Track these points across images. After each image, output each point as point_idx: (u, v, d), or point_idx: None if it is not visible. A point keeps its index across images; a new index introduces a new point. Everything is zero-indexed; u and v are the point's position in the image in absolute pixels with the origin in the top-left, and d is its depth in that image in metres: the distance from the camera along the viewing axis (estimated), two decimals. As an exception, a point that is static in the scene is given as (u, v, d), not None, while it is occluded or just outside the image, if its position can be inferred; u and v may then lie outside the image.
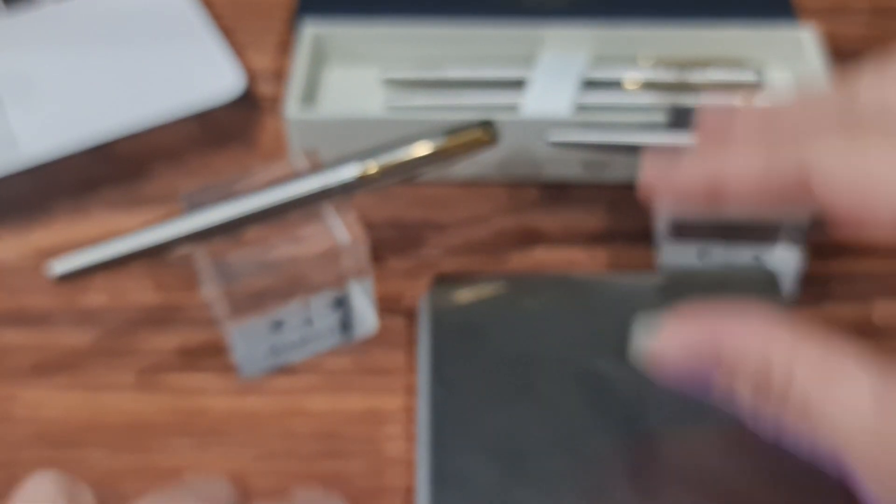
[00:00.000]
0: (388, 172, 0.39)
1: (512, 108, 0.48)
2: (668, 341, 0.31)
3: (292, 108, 0.46)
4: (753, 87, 0.49)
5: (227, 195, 0.38)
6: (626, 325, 0.36)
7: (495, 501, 0.34)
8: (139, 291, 0.44)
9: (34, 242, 0.46)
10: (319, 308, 0.40)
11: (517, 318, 0.39)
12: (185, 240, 0.38)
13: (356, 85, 0.51)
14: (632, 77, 0.48)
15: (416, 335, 0.42)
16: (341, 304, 0.40)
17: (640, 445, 0.35)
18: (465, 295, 0.40)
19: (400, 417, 0.40)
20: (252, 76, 0.53)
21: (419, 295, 0.43)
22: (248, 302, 0.39)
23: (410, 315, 0.43)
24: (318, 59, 0.50)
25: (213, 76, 0.52)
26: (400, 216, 0.46)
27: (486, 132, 0.39)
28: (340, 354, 0.42)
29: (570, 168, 0.47)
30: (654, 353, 0.31)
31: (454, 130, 0.39)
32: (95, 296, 0.44)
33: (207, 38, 0.54)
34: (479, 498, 0.34)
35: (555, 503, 0.34)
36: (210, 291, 0.40)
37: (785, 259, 0.41)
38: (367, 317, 0.42)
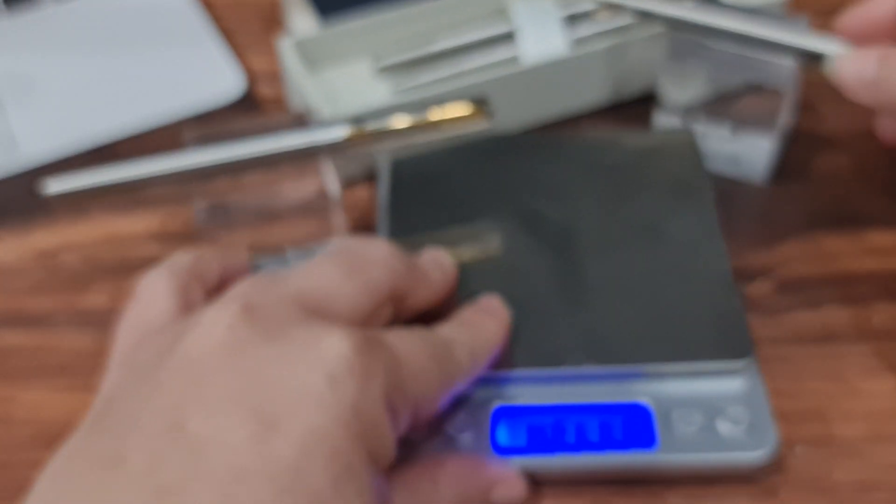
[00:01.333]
0: (375, 137, 0.40)
1: (512, 60, 0.49)
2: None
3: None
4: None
5: (226, 139, 0.40)
6: (561, 174, 0.44)
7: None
8: (139, 292, 0.44)
9: (34, 244, 0.46)
10: (296, 260, 0.41)
11: (466, 170, 0.44)
12: (173, 177, 0.39)
13: (352, 81, 0.50)
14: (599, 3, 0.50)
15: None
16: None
17: (566, 264, 0.41)
18: (417, 169, 0.45)
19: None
20: (252, 78, 0.53)
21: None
22: (226, 244, 0.40)
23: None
24: (308, 66, 0.50)
25: (213, 78, 0.53)
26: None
27: (478, 110, 0.40)
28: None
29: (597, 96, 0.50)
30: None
31: (448, 104, 0.40)
32: (95, 297, 0.44)
33: (208, 40, 0.55)
34: None
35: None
36: (198, 228, 0.41)
37: (758, 143, 0.46)
38: None
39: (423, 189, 0.44)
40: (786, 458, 0.38)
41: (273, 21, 0.56)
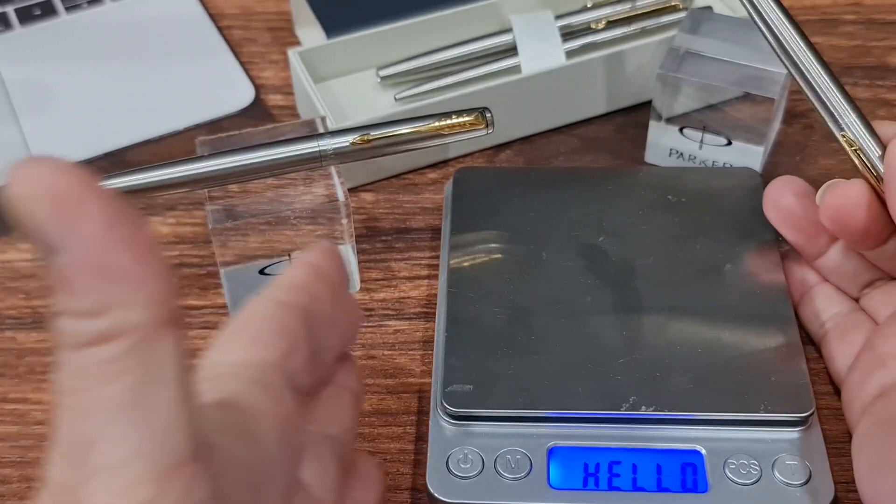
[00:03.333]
0: (379, 145, 0.41)
1: (512, 70, 0.51)
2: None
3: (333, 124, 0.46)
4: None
5: (237, 147, 0.41)
6: (624, 209, 0.44)
7: (501, 342, 0.39)
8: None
9: (49, 248, 0.47)
10: None
11: (529, 201, 0.45)
12: (185, 182, 0.41)
13: (357, 91, 0.52)
14: (596, 17, 0.52)
15: (422, 337, 0.43)
16: None
17: (626, 302, 0.41)
18: (483, 182, 0.46)
19: (405, 419, 0.40)
20: (262, 88, 0.54)
21: (424, 298, 0.44)
22: (237, 246, 0.41)
23: (415, 319, 0.44)
24: (316, 76, 0.51)
25: (224, 88, 0.54)
26: (407, 221, 0.48)
27: (479, 118, 0.41)
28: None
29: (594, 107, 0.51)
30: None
31: (450, 114, 0.41)
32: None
33: (219, 51, 0.56)
34: (487, 339, 0.40)
35: (551, 347, 0.39)
36: (211, 233, 0.42)
37: (750, 151, 0.47)
38: (351, 279, 0.44)
39: (485, 200, 0.44)
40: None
41: (282, 33, 0.57)
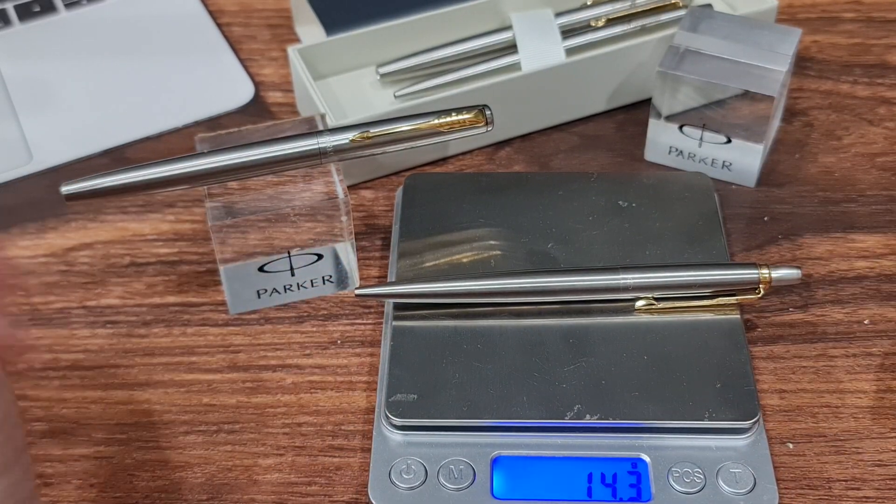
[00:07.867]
0: (379, 141, 0.41)
1: (512, 67, 0.51)
2: None
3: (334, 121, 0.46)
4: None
5: (236, 143, 0.41)
6: (574, 215, 0.44)
7: (446, 350, 0.39)
8: (152, 292, 0.45)
9: (48, 244, 0.47)
10: (302, 260, 0.43)
11: (478, 207, 0.45)
12: (185, 179, 0.41)
13: (357, 88, 0.52)
14: (596, 14, 0.52)
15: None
16: (321, 258, 0.43)
17: (573, 309, 0.40)
18: (433, 189, 0.46)
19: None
20: (261, 85, 0.54)
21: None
22: (236, 244, 0.41)
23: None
24: (316, 73, 0.51)
25: (224, 85, 0.54)
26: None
27: (478, 115, 0.41)
28: (347, 354, 0.43)
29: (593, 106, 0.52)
30: None
31: (450, 111, 0.41)
32: (108, 296, 0.45)
33: (219, 48, 0.56)
34: (432, 347, 0.39)
35: (496, 355, 0.39)
36: (211, 230, 0.42)
37: (749, 149, 0.47)
38: (350, 276, 0.44)
39: (435, 207, 0.44)
40: (778, 456, 0.38)
41: (282, 30, 0.57)
